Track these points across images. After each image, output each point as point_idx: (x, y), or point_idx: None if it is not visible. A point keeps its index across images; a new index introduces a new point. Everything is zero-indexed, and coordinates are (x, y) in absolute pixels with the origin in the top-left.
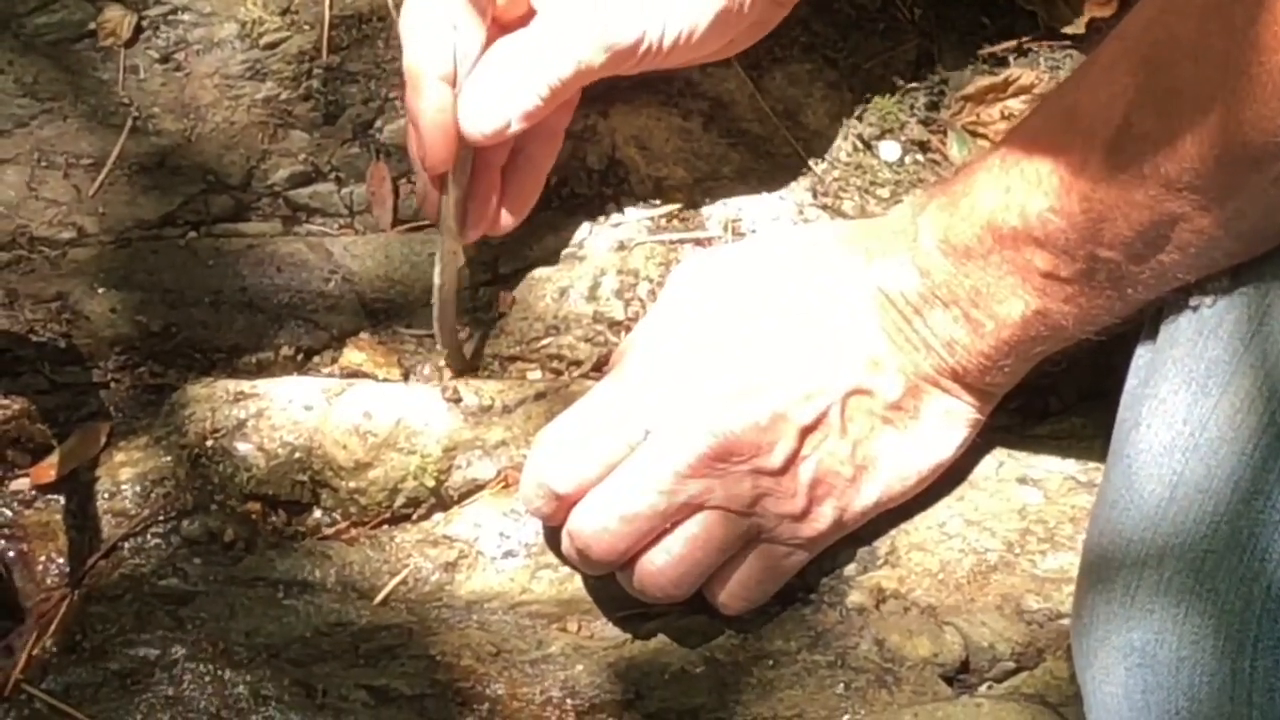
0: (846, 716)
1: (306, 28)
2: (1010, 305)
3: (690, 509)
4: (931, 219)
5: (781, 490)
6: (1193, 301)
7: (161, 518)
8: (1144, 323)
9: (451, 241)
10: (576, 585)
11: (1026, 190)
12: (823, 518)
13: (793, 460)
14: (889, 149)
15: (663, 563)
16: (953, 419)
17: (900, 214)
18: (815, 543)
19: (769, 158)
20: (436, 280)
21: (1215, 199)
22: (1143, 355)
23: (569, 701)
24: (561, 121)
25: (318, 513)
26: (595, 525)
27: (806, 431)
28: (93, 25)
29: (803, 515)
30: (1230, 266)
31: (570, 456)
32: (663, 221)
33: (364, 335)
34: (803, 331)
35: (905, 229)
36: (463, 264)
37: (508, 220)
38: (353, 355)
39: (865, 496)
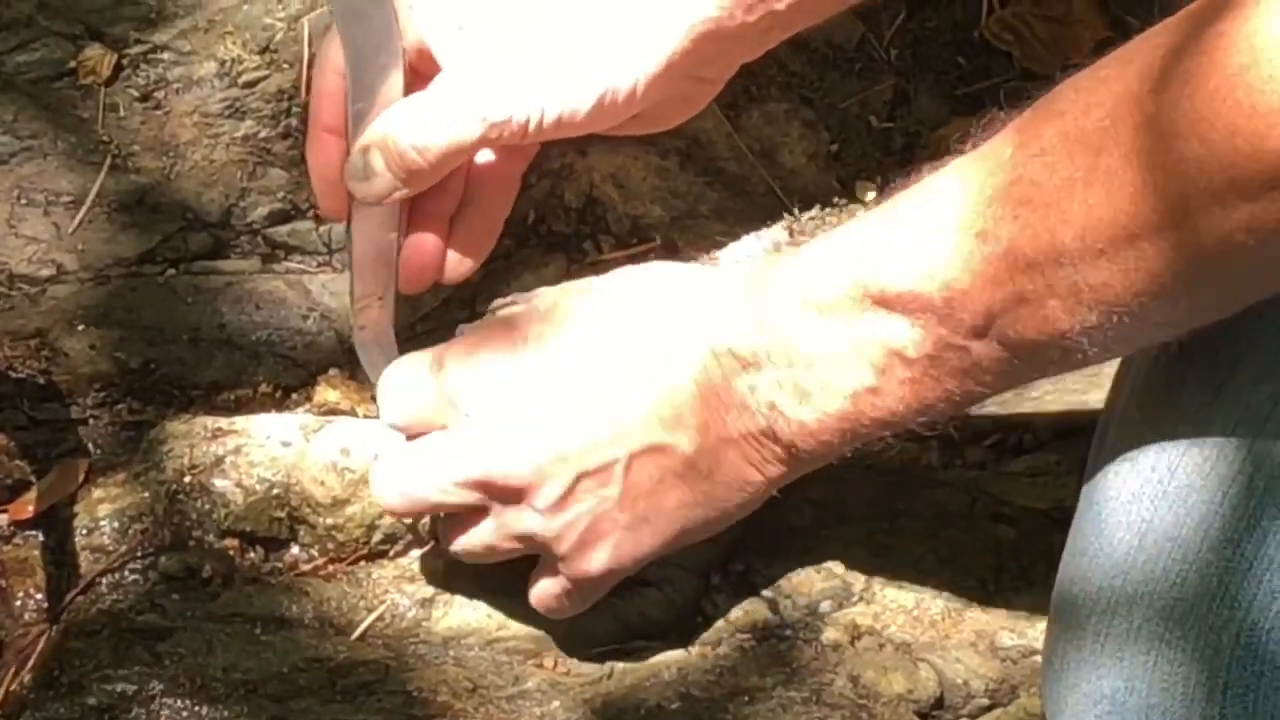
0: None
1: (285, 66)
2: (846, 377)
3: (476, 510)
4: (799, 268)
5: (551, 529)
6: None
7: (139, 554)
8: (1118, 362)
9: (366, 286)
10: (553, 621)
11: (920, 253)
12: (595, 561)
13: (564, 502)
14: (865, 188)
15: (458, 541)
16: (750, 478)
17: (765, 261)
18: (590, 582)
19: (746, 196)
20: (352, 322)
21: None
22: (1114, 400)
23: None
24: (516, 168)
25: (295, 549)
26: (387, 491)
27: (584, 476)
28: (72, 64)
29: (571, 556)
30: None
31: (395, 404)
32: (640, 260)
33: (334, 373)
34: (615, 377)
35: (763, 276)
36: (392, 308)
37: (461, 268)
38: (328, 394)
39: (642, 546)
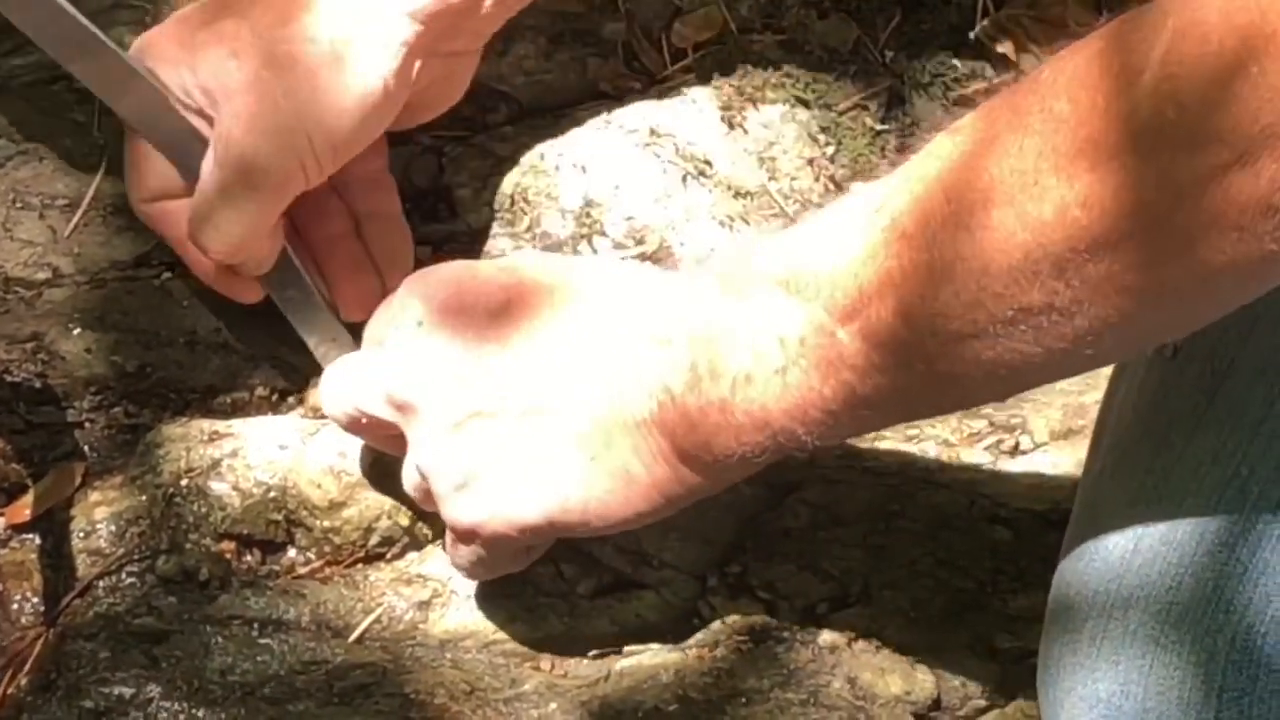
0: None
1: None
2: (729, 361)
3: (391, 427)
4: (730, 256)
5: (433, 459)
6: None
7: (136, 557)
8: (1114, 365)
9: (314, 334)
10: (550, 624)
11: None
12: (466, 510)
13: (452, 433)
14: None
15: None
16: (633, 471)
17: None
18: (464, 537)
19: (742, 199)
20: (322, 365)
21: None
22: (1110, 403)
23: None
24: (379, 163)
25: (292, 551)
26: (326, 396)
27: (478, 415)
28: None
29: (447, 496)
30: None
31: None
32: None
33: None
34: (544, 335)
35: (700, 266)
36: (349, 341)
37: (398, 272)
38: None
39: (519, 507)
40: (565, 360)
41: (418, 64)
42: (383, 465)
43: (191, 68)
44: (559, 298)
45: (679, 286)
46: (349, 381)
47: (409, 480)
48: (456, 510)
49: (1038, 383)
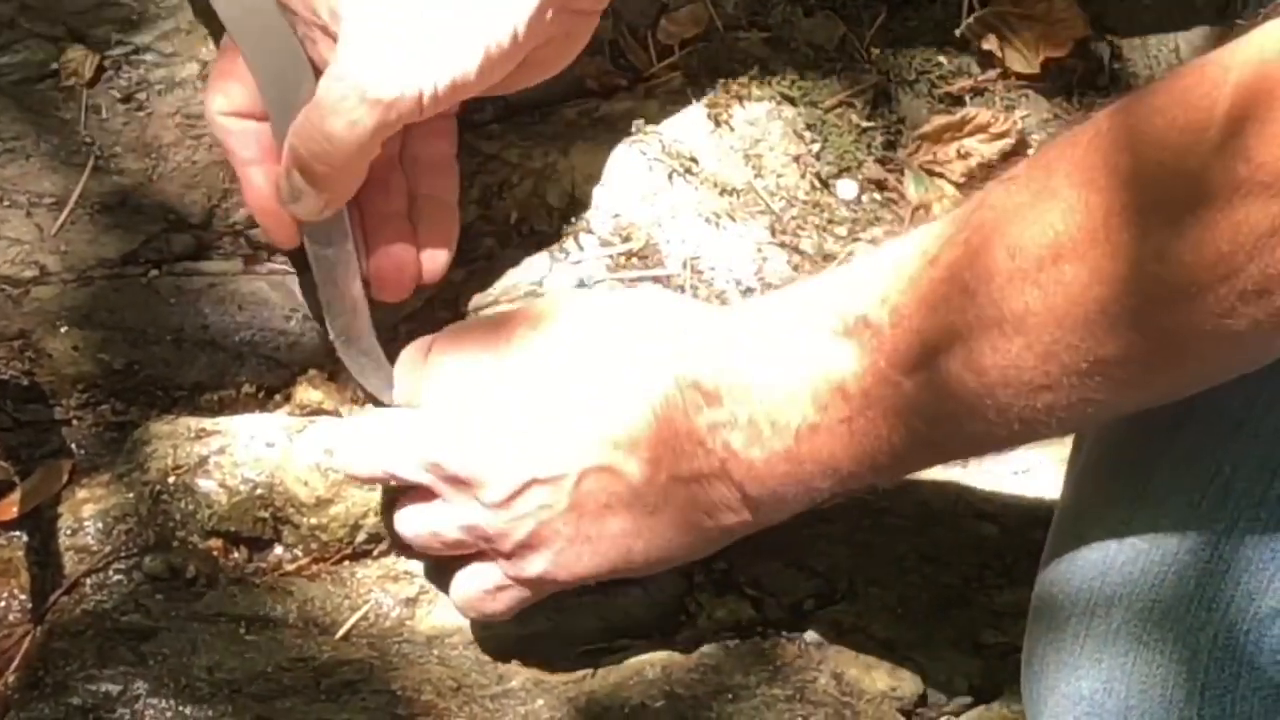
0: None
1: None
2: (792, 412)
3: (425, 490)
4: (773, 302)
5: (495, 525)
6: None
7: (123, 554)
8: None
9: (335, 298)
10: (537, 620)
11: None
12: (531, 566)
13: (511, 500)
14: (846, 188)
15: (403, 524)
16: (698, 523)
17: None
18: (527, 585)
19: (728, 196)
20: (331, 336)
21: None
22: None
23: None
24: (447, 149)
25: (279, 549)
26: (351, 454)
27: (535, 482)
28: (55, 65)
29: (511, 556)
30: None
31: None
32: (622, 259)
33: (316, 373)
34: (582, 393)
35: (740, 311)
36: (367, 314)
37: (436, 263)
38: (310, 394)
39: (581, 563)
40: (618, 420)
41: (550, 13)
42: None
43: None
44: (603, 355)
45: (730, 335)
46: (383, 443)
47: (444, 536)
48: (523, 566)
49: (1105, 420)
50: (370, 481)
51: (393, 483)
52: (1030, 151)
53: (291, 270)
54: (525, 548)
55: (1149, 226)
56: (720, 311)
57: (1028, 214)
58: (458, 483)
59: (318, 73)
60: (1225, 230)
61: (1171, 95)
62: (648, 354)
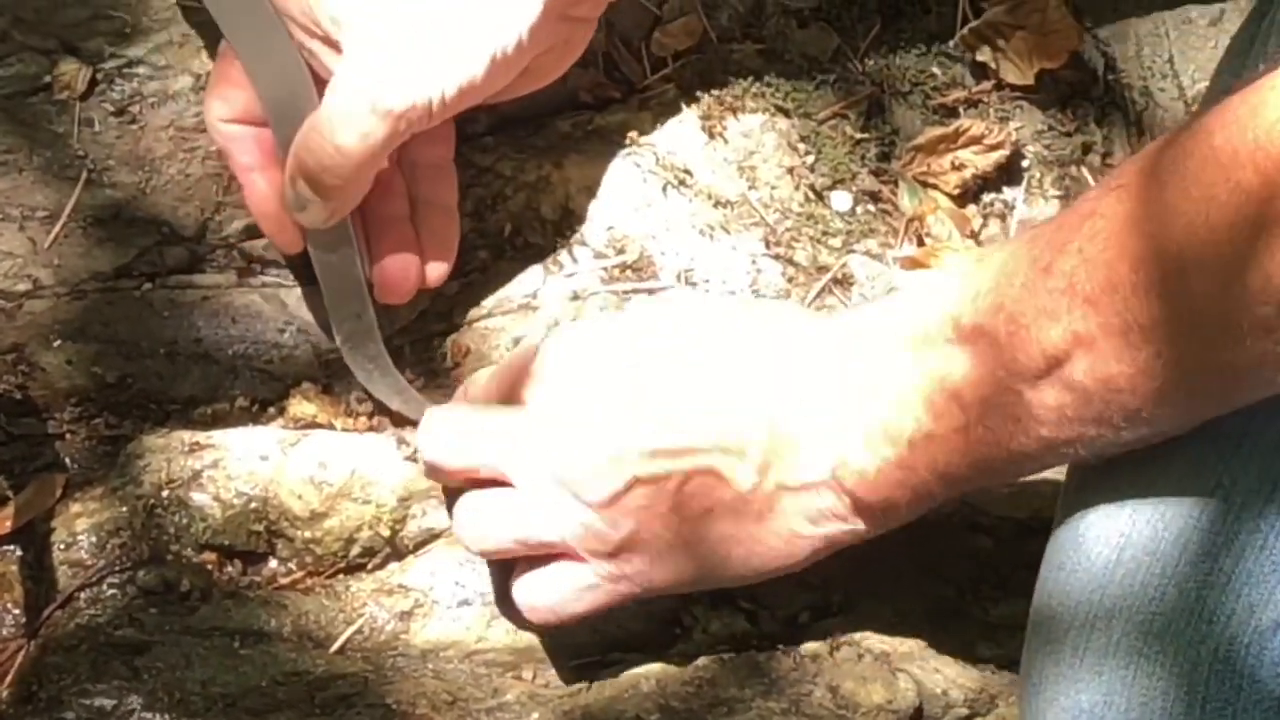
0: None
1: None
2: (906, 419)
3: (501, 486)
4: (882, 309)
5: (597, 525)
6: None
7: (117, 568)
8: None
9: (340, 305)
10: (532, 634)
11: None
12: (629, 566)
13: (615, 500)
14: (840, 199)
15: (471, 513)
16: (802, 532)
17: (855, 306)
18: (619, 585)
19: (722, 208)
20: (337, 342)
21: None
22: None
23: None
24: (445, 153)
25: (273, 562)
26: (432, 448)
27: (639, 482)
28: (47, 79)
29: (611, 555)
30: None
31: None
32: (616, 272)
33: (310, 386)
34: (690, 396)
35: (846, 319)
36: (373, 320)
37: (438, 270)
38: (304, 407)
39: (678, 569)
40: (728, 426)
41: (552, 21)
42: (364, 477)
43: None
44: (717, 363)
45: (838, 339)
46: (477, 437)
47: (533, 537)
48: (620, 567)
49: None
50: (454, 476)
51: (479, 476)
52: (1024, 163)
53: (285, 283)
54: (622, 548)
55: (1274, 240)
56: (816, 319)
57: (1146, 227)
58: (557, 481)
59: (319, 81)
60: None
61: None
62: (755, 361)
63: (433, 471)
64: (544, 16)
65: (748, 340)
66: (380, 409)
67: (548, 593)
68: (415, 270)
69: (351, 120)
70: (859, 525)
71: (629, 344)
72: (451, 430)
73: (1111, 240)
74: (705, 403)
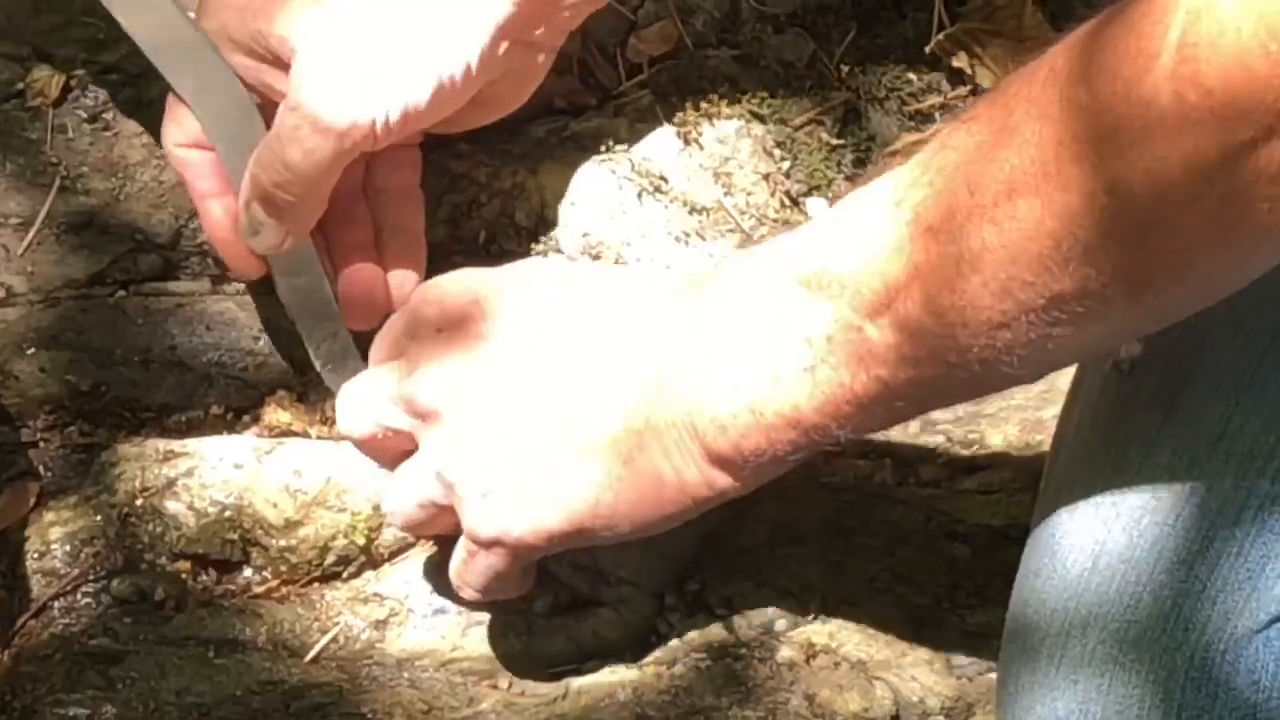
0: None
1: None
2: (757, 368)
3: (408, 441)
4: (738, 266)
5: (469, 461)
6: (1116, 359)
7: (91, 577)
8: (1071, 380)
9: (313, 329)
10: (508, 642)
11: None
12: (500, 517)
13: (486, 437)
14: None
15: (391, 499)
16: (665, 476)
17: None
18: (488, 550)
19: (697, 214)
20: (316, 366)
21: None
22: (1067, 419)
23: None
24: (411, 179)
25: (248, 571)
26: (345, 415)
27: (507, 422)
28: (21, 85)
29: (484, 497)
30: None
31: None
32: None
33: (285, 394)
34: (570, 381)
35: (707, 276)
36: (348, 339)
37: (404, 291)
38: (279, 415)
39: (544, 513)
40: (593, 367)
41: (503, 47)
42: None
43: (268, 15)
44: (581, 304)
45: (696, 289)
46: (368, 395)
47: (418, 493)
48: (483, 517)
49: (1072, 361)
50: (363, 441)
51: (381, 436)
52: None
53: (261, 290)
54: (487, 495)
55: (1100, 158)
56: (679, 279)
57: (987, 152)
58: (430, 418)
59: (270, 104)
60: (1176, 159)
61: (1124, 23)
62: (631, 306)
63: (353, 445)
64: (494, 42)
65: (609, 297)
66: None
67: (454, 570)
68: (381, 296)
69: (297, 137)
70: (719, 478)
71: (495, 301)
72: (349, 402)
73: (956, 170)
74: (572, 352)
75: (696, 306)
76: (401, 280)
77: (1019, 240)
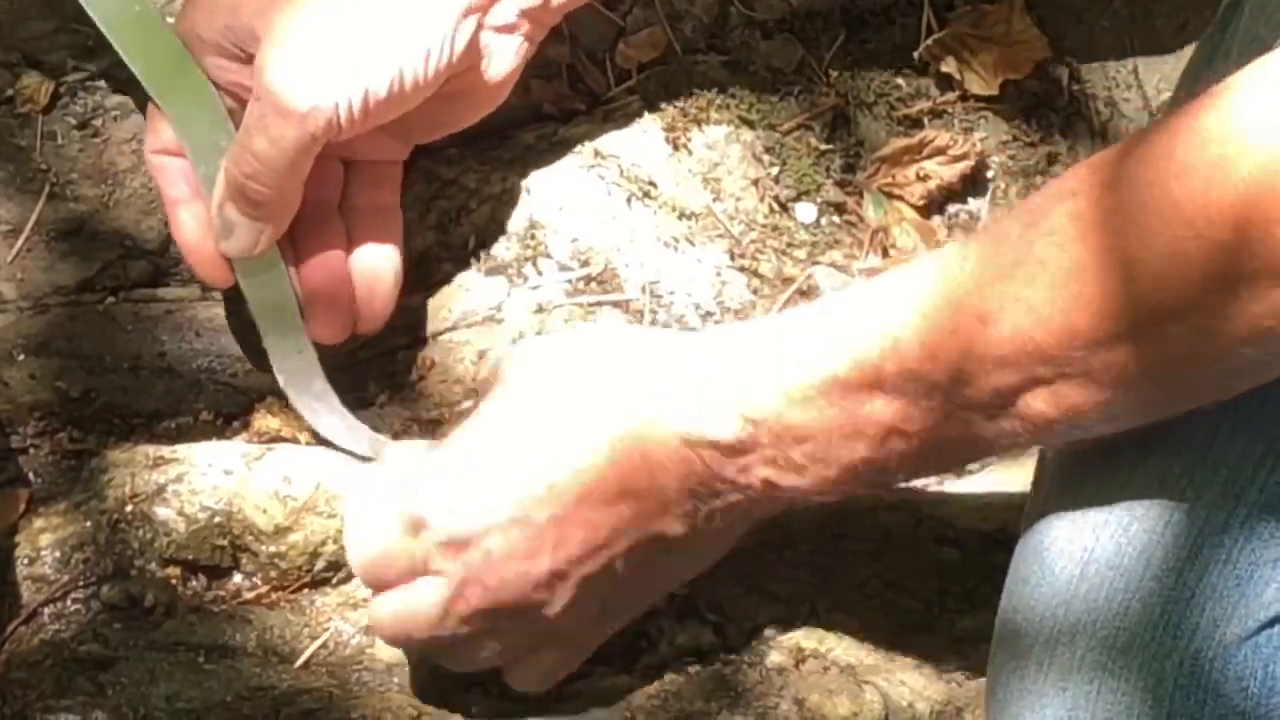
0: None
1: None
2: (844, 452)
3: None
4: (784, 349)
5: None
6: None
7: (81, 583)
8: None
9: (277, 339)
10: None
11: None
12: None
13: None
14: (805, 210)
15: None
16: (732, 530)
17: (735, 337)
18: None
19: (686, 220)
20: (276, 375)
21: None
22: None
23: None
24: (389, 197)
25: (238, 577)
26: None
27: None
28: (10, 92)
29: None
30: None
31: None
32: (581, 284)
33: (272, 399)
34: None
35: (739, 357)
36: (312, 352)
37: (374, 309)
38: (269, 421)
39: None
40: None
41: (470, 29)
42: (329, 491)
43: (234, 9)
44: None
45: (715, 389)
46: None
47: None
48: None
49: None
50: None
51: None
52: (989, 173)
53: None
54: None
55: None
56: (697, 356)
57: (1101, 277)
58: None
59: (243, 105)
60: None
61: (1186, 168)
62: (606, 399)
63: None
64: (459, 25)
65: (593, 382)
66: (326, 444)
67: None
68: (347, 313)
69: (262, 125)
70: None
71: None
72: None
73: (1057, 291)
74: (615, 493)
75: (746, 400)
76: (370, 303)
77: (1152, 365)
